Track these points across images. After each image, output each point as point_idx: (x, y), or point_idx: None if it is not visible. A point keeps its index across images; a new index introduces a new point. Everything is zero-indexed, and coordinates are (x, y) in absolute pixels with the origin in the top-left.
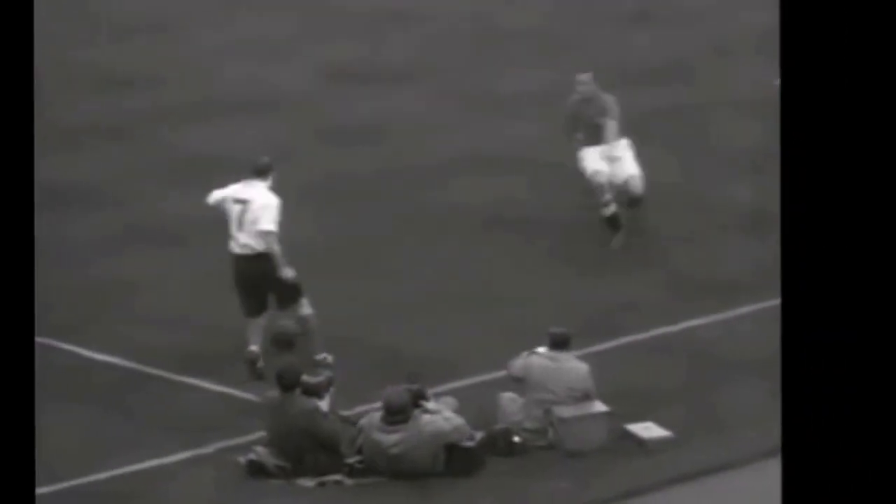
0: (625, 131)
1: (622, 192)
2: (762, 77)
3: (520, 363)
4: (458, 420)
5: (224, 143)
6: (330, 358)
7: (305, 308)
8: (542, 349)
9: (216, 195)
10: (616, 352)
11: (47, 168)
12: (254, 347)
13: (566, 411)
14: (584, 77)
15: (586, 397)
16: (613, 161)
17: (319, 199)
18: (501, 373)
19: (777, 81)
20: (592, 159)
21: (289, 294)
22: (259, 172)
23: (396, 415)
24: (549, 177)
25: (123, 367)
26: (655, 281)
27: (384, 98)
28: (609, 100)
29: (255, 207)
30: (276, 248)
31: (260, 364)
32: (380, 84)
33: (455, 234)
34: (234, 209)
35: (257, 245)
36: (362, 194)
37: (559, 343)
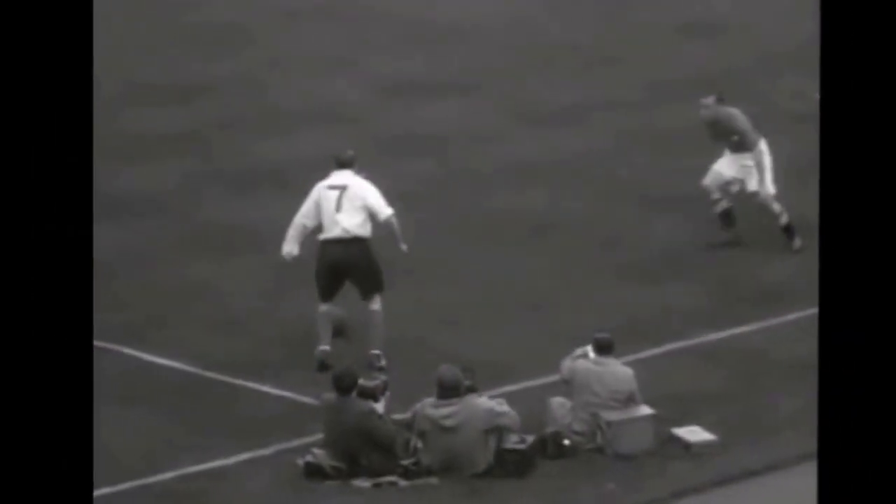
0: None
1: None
2: (807, 88)
3: (567, 365)
4: (509, 408)
5: (284, 154)
6: (383, 361)
7: (376, 304)
8: (588, 347)
9: (305, 210)
10: (663, 357)
11: (115, 176)
12: (325, 347)
13: (614, 415)
14: (707, 101)
15: (630, 401)
16: (744, 170)
17: None
18: (551, 377)
19: (817, 95)
20: (720, 163)
21: (373, 283)
22: (344, 164)
23: (449, 390)
24: (598, 185)
25: (185, 371)
26: (701, 288)
27: (438, 109)
28: (734, 114)
29: (354, 191)
30: (398, 226)
31: (329, 361)
32: (434, 96)
33: (506, 240)
34: (331, 195)
35: (356, 228)
36: (417, 202)
37: (603, 348)
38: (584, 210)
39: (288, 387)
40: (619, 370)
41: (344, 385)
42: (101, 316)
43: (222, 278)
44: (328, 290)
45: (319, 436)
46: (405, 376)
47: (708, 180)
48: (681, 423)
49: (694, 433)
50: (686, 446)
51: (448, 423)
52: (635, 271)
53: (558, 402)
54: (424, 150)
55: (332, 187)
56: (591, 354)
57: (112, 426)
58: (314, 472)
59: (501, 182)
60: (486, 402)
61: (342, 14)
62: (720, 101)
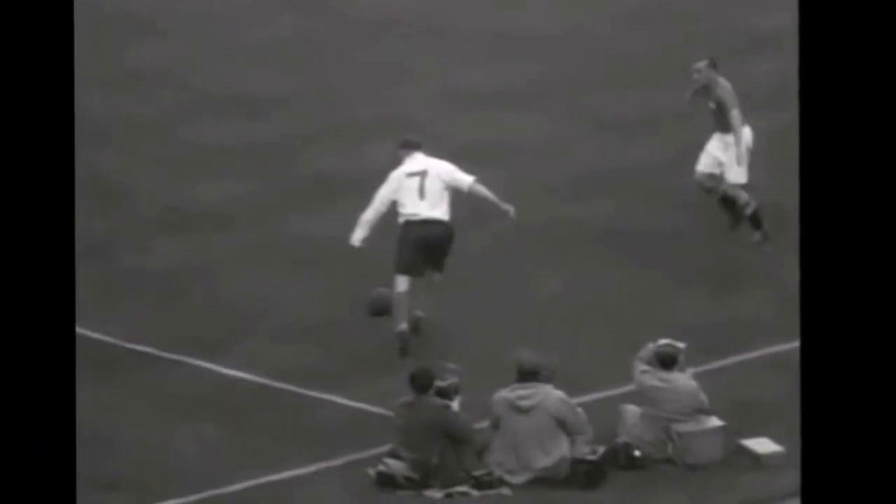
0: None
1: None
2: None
3: (636, 376)
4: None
5: (353, 166)
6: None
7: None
8: (652, 346)
9: (382, 196)
10: (731, 369)
11: (186, 190)
12: (404, 325)
13: (684, 426)
14: (700, 65)
15: (696, 412)
16: (727, 151)
17: None
18: (620, 389)
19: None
20: (708, 148)
21: (444, 261)
22: (414, 146)
23: (528, 374)
24: (665, 195)
25: (255, 382)
26: (769, 298)
27: (506, 120)
28: (724, 86)
29: (434, 173)
30: (486, 190)
31: (410, 342)
32: (502, 107)
33: (573, 250)
34: (411, 183)
35: (441, 214)
36: (485, 213)
37: (666, 363)
38: (651, 220)
39: (358, 397)
40: (682, 386)
41: (420, 384)
42: (173, 328)
43: (292, 290)
44: (415, 267)
45: (389, 447)
46: (474, 386)
47: (700, 166)
48: (749, 435)
49: (762, 445)
50: (755, 458)
51: (524, 403)
52: (702, 281)
53: (631, 411)
54: (492, 160)
55: (412, 174)
56: (652, 346)
57: (183, 437)
58: (386, 481)
59: (568, 192)
60: (561, 393)
61: (410, 26)
62: (712, 66)
